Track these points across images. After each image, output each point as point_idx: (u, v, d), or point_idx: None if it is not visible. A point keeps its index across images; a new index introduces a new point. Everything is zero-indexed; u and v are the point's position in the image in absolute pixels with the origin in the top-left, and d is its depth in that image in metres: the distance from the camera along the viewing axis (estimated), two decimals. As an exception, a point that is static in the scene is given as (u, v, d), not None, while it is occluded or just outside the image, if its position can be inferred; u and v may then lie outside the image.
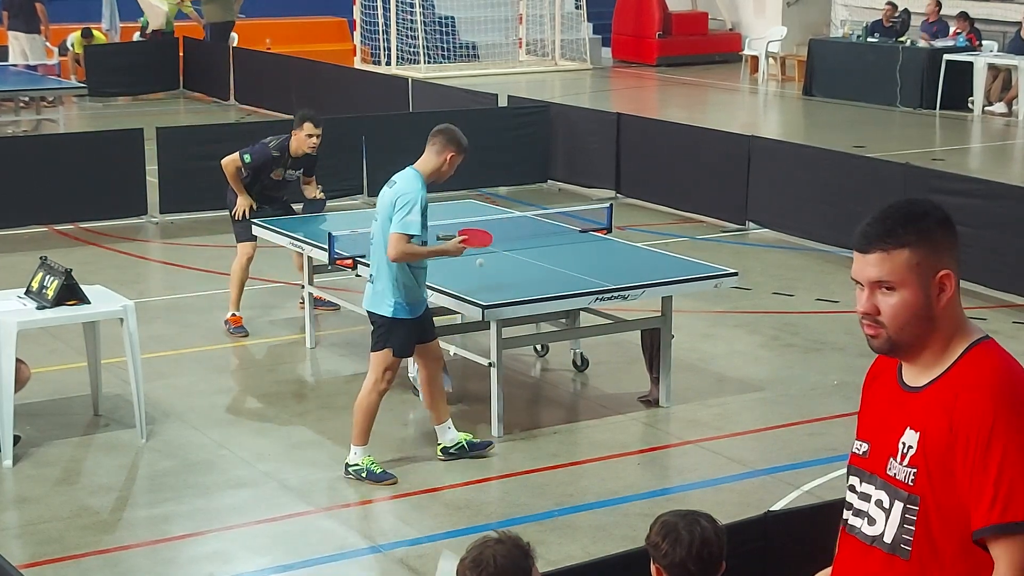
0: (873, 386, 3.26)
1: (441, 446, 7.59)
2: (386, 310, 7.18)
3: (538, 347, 9.31)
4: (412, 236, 7.09)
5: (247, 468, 7.52)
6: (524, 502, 7.09)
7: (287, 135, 9.81)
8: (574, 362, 9.11)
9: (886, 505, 3.07)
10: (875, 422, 3.17)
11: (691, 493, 7.19)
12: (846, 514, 3.21)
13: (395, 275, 7.14)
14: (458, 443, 7.58)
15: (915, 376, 3.10)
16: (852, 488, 3.19)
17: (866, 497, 3.13)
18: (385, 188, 7.27)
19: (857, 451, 3.20)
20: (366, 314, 7.38)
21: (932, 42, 21.32)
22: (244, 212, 9.73)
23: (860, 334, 9.85)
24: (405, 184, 7.17)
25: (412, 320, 7.23)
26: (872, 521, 3.11)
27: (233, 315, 9.85)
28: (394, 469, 7.40)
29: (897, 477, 3.05)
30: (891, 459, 3.07)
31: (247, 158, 9.68)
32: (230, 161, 9.71)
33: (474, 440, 7.65)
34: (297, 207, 10.29)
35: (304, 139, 9.73)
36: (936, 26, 21.81)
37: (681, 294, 8.92)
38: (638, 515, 6.72)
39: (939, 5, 21.97)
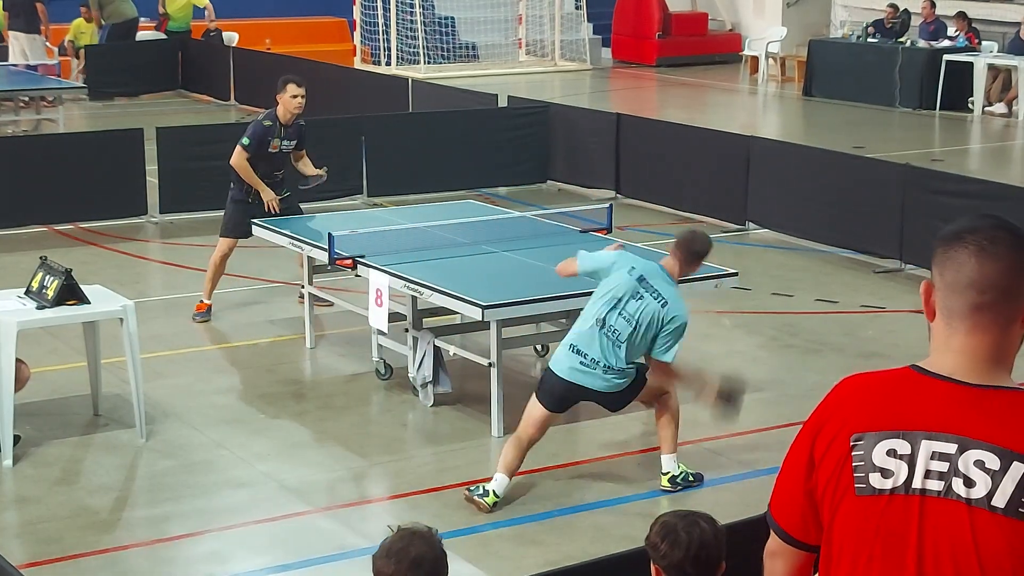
0: None
1: (669, 475, 7.29)
2: (634, 374, 7.04)
3: (538, 347, 9.31)
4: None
5: (246, 468, 7.52)
6: (524, 502, 7.09)
7: (272, 109, 9.95)
8: (574, 362, 9.08)
9: None
10: None
11: (691, 493, 7.19)
12: None
13: (631, 364, 6.99)
14: (680, 474, 7.33)
15: None
16: None
17: None
18: (648, 295, 6.90)
19: None
20: (568, 384, 6.98)
21: (932, 43, 21.33)
22: (273, 206, 9.84)
23: (859, 335, 9.85)
24: (679, 309, 6.95)
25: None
26: None
27: (201, 302, 10.10)
28: (394, 469, 7.40)
29: None
30: None
31: (246, 140, 9.81)
32: (237, 156, 9.82)
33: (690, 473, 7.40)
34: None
35: (290, 100, 9.85)
36: (933, 25, 21.81)
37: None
38: (638, 515, 6.72)
39: (933, 5, 21.97)
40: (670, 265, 7.05)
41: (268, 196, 9.85)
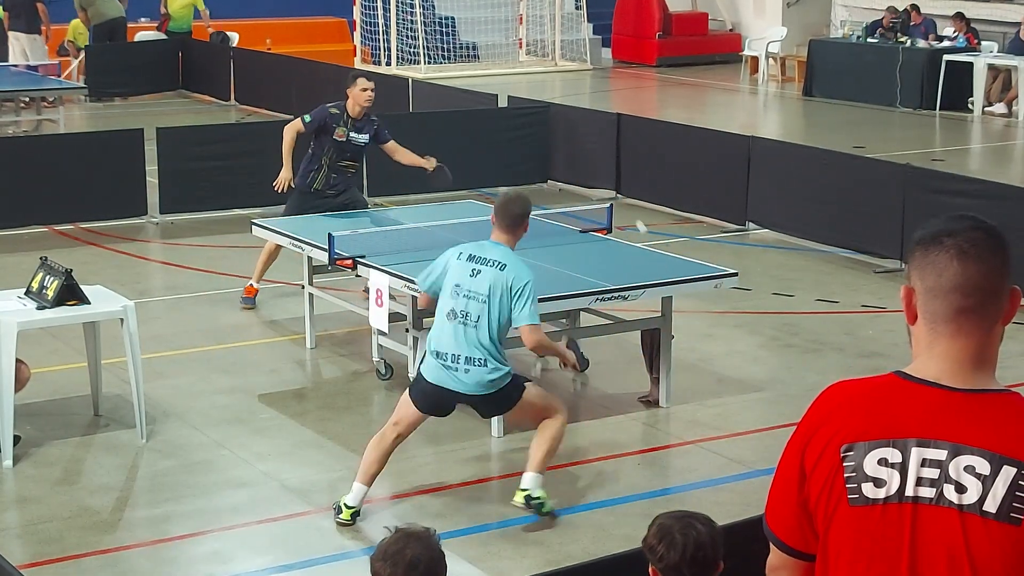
0: None
1: (527, 493, 6.75)
2: (507, 377, 6.77)
3: (538, 347, 9.28)
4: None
5: (247, 468, 7.53)
6: (524, 502, 7.09)
7: (342, 100, 10.15)
8: (574, 362, 9.08)
9: None
10: None
11: (691, 493, 7.20)
12: None
13: (499, 348, 6.77)
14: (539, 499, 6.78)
15: None
16: None
17: None
18: (484, 267, 6.77)
19: None
20: (458, 395, 6.75)
21: (931, 42, 21.35)
22: (284, 186, 10.13)
23: (859, 334, 9.85)
24: (520, 269, 6.81)
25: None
26: None
27: (250, 285, 10.31)
28: (394, 469, 7.39)
29: None
30: None
31: (307, 117, 10.07)
32: (290, 126, 10.13)
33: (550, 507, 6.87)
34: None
35: (359, 93, 10.06)
36: (923, 26, 21.85)
37: (681, 294, 8.92)
38: (638, 515, 6.71)
39: (914, 7, 22.08)
40: (498, 237, 6.95)
41: (284, 175, 10.15)
